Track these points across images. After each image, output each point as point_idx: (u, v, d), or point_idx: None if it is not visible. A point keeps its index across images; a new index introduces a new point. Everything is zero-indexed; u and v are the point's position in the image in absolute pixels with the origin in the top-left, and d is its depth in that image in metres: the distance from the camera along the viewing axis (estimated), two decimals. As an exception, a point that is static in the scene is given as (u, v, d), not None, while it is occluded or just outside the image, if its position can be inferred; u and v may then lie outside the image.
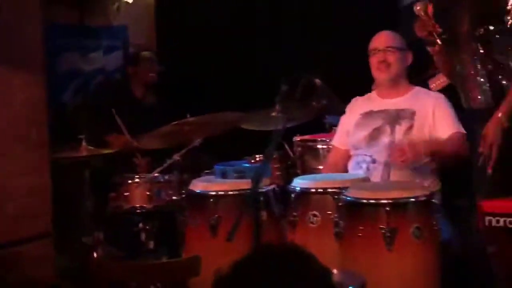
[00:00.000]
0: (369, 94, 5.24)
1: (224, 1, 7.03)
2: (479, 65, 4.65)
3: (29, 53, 5.90)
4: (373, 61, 5.01)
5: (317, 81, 4.93)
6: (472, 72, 4.68)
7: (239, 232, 3.93)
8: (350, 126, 5.13)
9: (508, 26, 4.56)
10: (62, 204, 5.92)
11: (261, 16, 6.85)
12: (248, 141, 5.49)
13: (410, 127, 4.91)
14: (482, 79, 4.65)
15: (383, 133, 4.95)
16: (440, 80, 5.51)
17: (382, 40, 5.08)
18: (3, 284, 4.92)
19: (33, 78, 5.89)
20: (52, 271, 5.67)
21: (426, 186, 4.69)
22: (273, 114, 5.12)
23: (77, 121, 5.98)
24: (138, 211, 5.40)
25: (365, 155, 5.00)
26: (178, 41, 7.23)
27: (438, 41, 4.61)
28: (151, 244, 5.36)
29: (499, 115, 4.50)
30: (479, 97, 4.69)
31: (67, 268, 5.62)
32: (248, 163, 5.17)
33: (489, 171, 4.62)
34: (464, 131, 4.86)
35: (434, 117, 4.88)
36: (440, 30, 4.58)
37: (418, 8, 4.58)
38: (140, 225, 5.39)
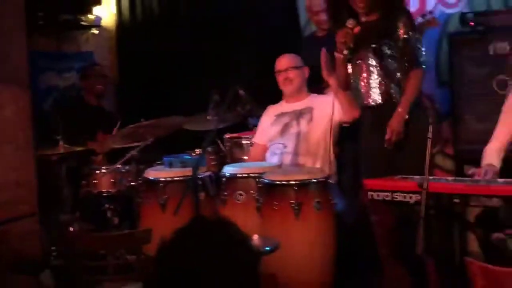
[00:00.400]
0: (280, 102, 5.30)
1: (166, 30, 6.98)
2: (372, 70, 4.66)
3: (16, 72, 5.83)
4: (279, 79, 5.16)
5: (241, 91, 4.97)
6: (365, 75, 4.67)
7: (183, 208, 4.11)
8: (267, 125, 5.26)
9: (400, 41, 4.57)
10: (44, 191, 5.80)
11: (195, 43, 6.70)
12: (189, 139, 5.55)
13: (311, 119, 5.07)
14: (373, 82, 4.67)
15: (291, 126, 5.10)
16: None
17: (283, 62, 5.19)
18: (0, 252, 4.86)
19: (20, 92, 5.81)
20: (38, 243, 5.57)
21: (324, 170, 4.82)
22: (208, 117, 5.23)
23: (55, 126, 5.83)
24: (104, 194, 5.45)
25: (279, 143, 5.11)
26: (134, 62, 7.14)
27: (345, 51, 4.55)
28: (116, 220, 5.42)
29: (400, 110, 4.53)
30: (371, 95, 4.69)
31: (50, 240, 5.55)
32: (189, 156, 5.22)
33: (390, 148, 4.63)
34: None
35: (334, 107, 4.89)
36: (351, 45, 4.53)
37: (350, 22, 4.48)
38: (106, 205, 5.44)
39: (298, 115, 5.14)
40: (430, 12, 5.37)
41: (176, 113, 5.61)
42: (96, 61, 7.07)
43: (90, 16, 6.78)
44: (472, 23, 5.16)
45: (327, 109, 4.98)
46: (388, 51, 4.59)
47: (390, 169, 4.54)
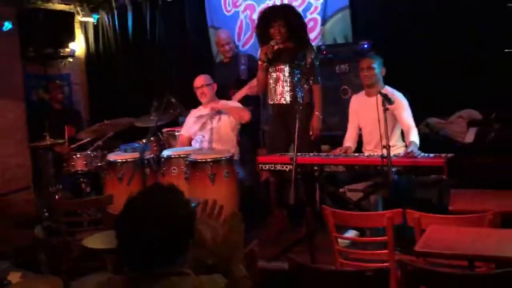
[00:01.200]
0: (199, 107, 5.28)
1: (120, 57, 6.97)
2: (286, 80, 4.73)
3: (16, 89, 6.08)
4: (197, 93, 5.17)
5: (173, 99, 4.96)
6: (281, 82, 4.74)
7: (134, 180, 4.31)
8: (191, 123, 5.24)
9: (307, 64, 4.68)
10: (36, 170, 5.98)
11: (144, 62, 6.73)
12: (138, 132, 5.47)
13: (219, 119, 5.12)
14: (286, 87, 4.75)
15: (207, 123, 5.15)
16: (240, 93, 5.43)
17: (198, 81, 5.17)
18: (6, 214, 4.94)
19: (18, 103, 6.10)
20: (33, 207, 5.71)
21: (230, 151, 4.87)
22: (151, 117, 5.15)
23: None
24: (79, 172, 5.44)
25: (200, 135, 5.17)
26: (98, 79, 7.12)
27: (265, 61, 4.67)
28: (87, 190, 5.45)
29: (317, 113, 4.68)
30: (283, 96, 4.75)
31: (41, 205, 5.52)
32: (138, 144, 5.25)
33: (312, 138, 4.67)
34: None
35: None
36: (270, 57, 4.64)
37: (272, 42, 4.62)
38: (81, 179, 5.47)
39: (212, 116, 5.15)
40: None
41: (128, 114, 5.62)
42: (68, 80, 7.01)
43: (67, 49, 6.71)
44: (324, 52, 5.28)
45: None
46: (297, 69, 4.70)
47: (286, 146, 4.72)
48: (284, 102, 4.74)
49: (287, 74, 4.73)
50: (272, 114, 4.93)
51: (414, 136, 4.17)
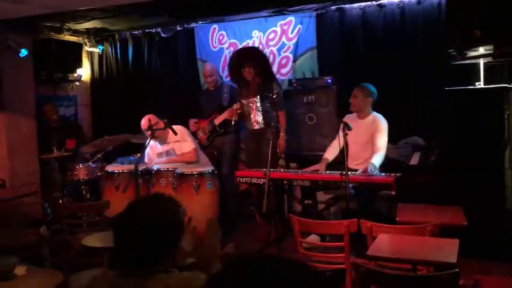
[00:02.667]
0: (152, 142, 4.75)
1: (120, 81, 6.84)
2: (258, 109, 4.86)
3: (29, 108, 5.95)
4: (147, 135, 4.59)
5: (164, 120, 4.57)
6: (254, 111, 4.88)
7: (128, 188, 4.08)
8: (152, 155, 4.97)
9: (274, 95, 4.78)
10: (44, 178, 5.87)
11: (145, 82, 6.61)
12: (133, 147, 5.36)
13: (170, 153, 4.88)
14: (258, 115, 4.88)
15: (164, 156, 4.92)
16: (220, 118, 5.29)
17: (143, 123, 4.78)
18: (16, 214, 4.84)
19: (30, 119, 5.96)
20: (40, 209, 5.61)
21: (210, 167, 4.66)
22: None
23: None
24: (81, 180, 5.30)
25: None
26: (101, 100, 6.99)
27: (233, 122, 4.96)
28: (88, 195, 5.30)
29: (282, 134, 4.76)
30: (257, 122, 4.89)
31: (47, 208, 5.48)
32: (133, 157, 5.09)
33: (282, 156, 4.93)
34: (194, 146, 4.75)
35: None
36: (236, 118, 4.97)
37: (235, 107, 4.98)
38: (82, 187, 5.32)
39: (167, 152, 4.95)
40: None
41: (126, 132, 5.56)
42: (75, 101, 6.91)
43: (74, 74, 6.65)
44: (295, 84, 5.30)
45: None
46: (267, 100, 4.84)
47: (258, 163, 4.69)
48: (258, 127, 4.94)
49: (258, 104, 4.89)
50: (248, 135, 5.09)
51: (376, 157, 4.13)
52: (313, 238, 4.15)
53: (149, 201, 1.82)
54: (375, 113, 4.41)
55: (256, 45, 5.81)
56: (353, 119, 4.42)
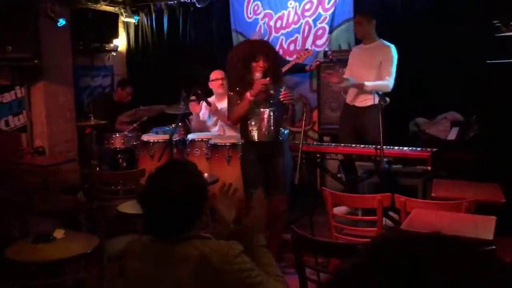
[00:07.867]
0: (203, 105, 5.07)
1: (156, 53, 6.80)
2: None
3: (66, 77, 6.04)
4: (215, 85, 5.00)
5: (199, 91, 4.79)
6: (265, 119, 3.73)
7: (163, 158, 4.14)
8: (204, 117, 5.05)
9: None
10: (82, 146, 5.98)
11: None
12: (168, 118, 5.31)
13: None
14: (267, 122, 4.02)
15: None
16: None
17: (219, 74, 5.02)
18: (55, 181, 4.89)
19: (68, 88, 6.05)
20: (77, 176, 5.78)
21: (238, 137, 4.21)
22: (180, 106, 4.98)
23: (88, 108, 5.84)
24: (118, 149, 5.35)
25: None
26: (136, 71, 6.99)
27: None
28: (124, 164, 5.37)
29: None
30: (267, 129, 3.72)
31: (85, 175, 5.54)
32: (168, 127, 5.18)
33: None
34: None
35: None
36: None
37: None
38: (119, 155, 5.39)
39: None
40: (307, 49, 5.33)
41: (161, 102, 5.54)
42: (112, 71, 6.92)
43: (111, 45, 6.68)
44: (330, 56, 5.23)
45: None
46: (275, 106, 3.72)
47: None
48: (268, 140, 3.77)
49: (270, 113, 3.77)
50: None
51: (376, 82, 4.22)
52: (342, 210, 4.12)
53: (168, 167, 1.82)
54: (382, 40, 4.44)
55: (292, 15, 5.74)
56: (360, 46, 4.58)
